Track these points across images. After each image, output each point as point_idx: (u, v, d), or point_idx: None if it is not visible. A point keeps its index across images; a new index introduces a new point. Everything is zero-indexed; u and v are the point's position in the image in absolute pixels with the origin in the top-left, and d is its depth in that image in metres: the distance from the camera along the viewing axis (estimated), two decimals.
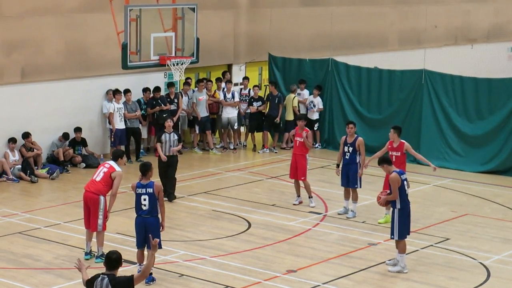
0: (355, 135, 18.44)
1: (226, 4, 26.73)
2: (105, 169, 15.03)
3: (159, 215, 14.09)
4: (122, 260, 9.84)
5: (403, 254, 14.82)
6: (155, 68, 22.67)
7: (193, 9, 21.14)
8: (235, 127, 25.37)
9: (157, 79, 24.72)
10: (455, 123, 23.45)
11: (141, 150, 23.93)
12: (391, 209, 16.58)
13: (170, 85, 24.17)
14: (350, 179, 18.33)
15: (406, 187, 14.88)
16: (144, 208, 13.94)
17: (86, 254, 15.15)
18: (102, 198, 14.92)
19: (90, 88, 23.27)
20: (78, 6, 22.86)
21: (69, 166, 22.34)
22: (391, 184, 14.70)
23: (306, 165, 18.89)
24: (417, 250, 16.06)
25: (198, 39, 21.35)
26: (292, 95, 25.45)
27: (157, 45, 20.46)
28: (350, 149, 18.30)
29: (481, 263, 15.45)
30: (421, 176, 22.25)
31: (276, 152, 25.07)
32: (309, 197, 18.93)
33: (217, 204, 18.92)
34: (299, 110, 25.32)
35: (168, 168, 19.10)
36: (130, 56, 19.93)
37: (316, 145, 25.75)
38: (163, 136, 19.17)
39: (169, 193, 18.99)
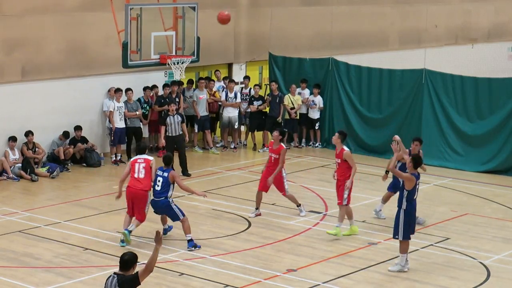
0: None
1: (227, 3, 26.67)
2: (143, 164, 16.04)
3: (170, 198, 15.79)
4: (136, 260, 9.78)
5: (404, 254, 14.81)
6: (155, 67, 22.67)
7: (193, 8, 21.14)
8: (236, 126, 25.38)
9: (157, 78, 24.71)
10: (455, 123, 23.44)
11: None
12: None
13: (172, 83, 24.17)
14: (397, 184, 17.27)
15: (417, 192, 14.90)
16: (157, 188, 15.81)
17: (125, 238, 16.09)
18: (149, 193, 15.99)
19: (91, 87, 23.26)
20: (78, 5, 22.85)
21: (69, 164, 22.33)
22: (406, 180, 14.74)
23: (283, 180, 17.89)
24: (417, 250, 16.06)
25: (198, 38, 21.34)
26: (287, 95, 25.40)
27: (157, 44, 20.46)
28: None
29: (481, 262, 15.45)
30: (421, 175, 22.15)
31: None
32: (297, 206, 18.26)
33: (218, 203, 18.91)
34: (292, 109, 25.29)
35: (176, 147, 21.00)
36: (131, 55, 19.92)
37: (317, 144, 25.75)
38: (168, 119, 21.41)
39: (182, 170, 20.96)
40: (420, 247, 16.21)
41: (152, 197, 15.92)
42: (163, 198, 15.80)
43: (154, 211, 16.13)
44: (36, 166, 21.57)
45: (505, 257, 15.79)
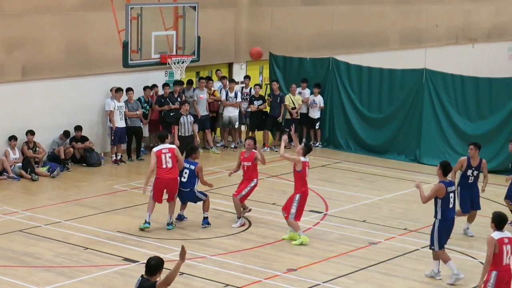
0: (479, 157, 17.06)
1: (227, 2, 26.73)
2: (169, 154, 16.68)
3: (195, 189, 16.95)
4: (162, 265, 9.79)
5: (449, 261, 14.40)
6: (156, 67, 22.67)
7: (194, 8, 21.13)
8: (236, 126, 25.38)
9: (158, 78, 24.71)
10: (455, 123, 23.45)
11: (142, 149, 23.92)
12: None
13: (175, 83, 24.16)
14: (474, 202, 17.13)
15: (451, 199, 14.27)
16: (183, 179, 16.82)
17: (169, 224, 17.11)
18: (179, 178, 16.88)
19: (91, 86, 23.26)
20: (79, 4, 22.85)
21: (70, 164, 22.33)
22: (431, 190, 14.29)
23: (246, 188, 17.34)
24: (418, 249, 16.07)
25: (199, 38, 21.34)
26: (288, 95, 25.41)
27: (158, 44, 20.46)
28: (475, 172, 16.89)
29: (481, 262, 15.41)
30: (422, 175, 22.25)
31: (277, 151, 25.04)
32: (238, 217, 17.57)
33: (218, 203, 18.89)
34: (293, 108, 25.30)
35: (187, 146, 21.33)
36: (131, 54, 19.93)
37: (317, 144, 25.75)
38: (181, 118, 22.24)
39: None
40: (421, 246, 16.20)
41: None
42: (188, 190, 16.92)
43: (179, 199, 17.19)
44: (37, 165, 21.57)
45: None
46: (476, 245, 16.49)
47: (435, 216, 14.33)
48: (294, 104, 25.37)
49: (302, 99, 25.57)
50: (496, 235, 11.61)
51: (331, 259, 15.50)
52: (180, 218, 17.58)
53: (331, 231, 17.22)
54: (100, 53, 23.27)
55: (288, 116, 25.54)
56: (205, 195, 17.18)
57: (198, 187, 17.27)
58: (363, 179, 21.81)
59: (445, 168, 14.32)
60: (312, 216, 18.15)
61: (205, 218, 17.17)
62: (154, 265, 9.74)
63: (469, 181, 16.97)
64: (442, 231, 14.33)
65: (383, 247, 16.26)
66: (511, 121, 22.50)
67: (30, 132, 21.52)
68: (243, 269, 14.78)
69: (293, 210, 16.12)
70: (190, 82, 25.05)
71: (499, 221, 11.70)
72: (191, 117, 22.51)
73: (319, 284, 14.16)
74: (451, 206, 14.32)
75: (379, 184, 21.44)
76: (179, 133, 22.34)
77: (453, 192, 14.40)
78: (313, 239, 16.61)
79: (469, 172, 16.92)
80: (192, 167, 16.91)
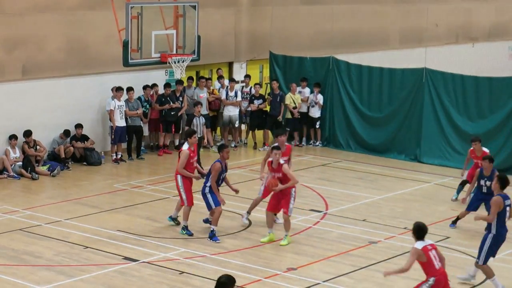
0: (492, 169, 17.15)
1: (227, 2, 26.74)
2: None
3: (207, 187, 16.28)
4: (232, 284, 9.41)
5: (493, 277, 14.03)
6: (156, 66, 22.69)
7: (194, 7, 21.16)
8: (236, 125, 25.39)
9: (158, 77, 24.72)
10: (456, 122, 23.46)
11: (142, 148, 23.93)
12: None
13: (178, 82, 24.18)
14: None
15: (507, 213, 13.83)
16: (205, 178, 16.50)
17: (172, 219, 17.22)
18: (179, 177, 16.50)
19: (91, 85, 23.28)
20: (79, 4, 22.86)
21: (70, 163, 22.33)
22: (492, 206, 13.71)
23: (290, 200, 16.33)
24: None
25: (199, 37, 21.36)
26: (288, 94, 25.42)
27: (158, 43, 20.49)
28: (488, 183, 16.85)
29: None
30: (422, 174, 22.27)
31: None
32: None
33: None
34: (294, 108, 25.32)
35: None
36: (131, 53, 19.97)
37: (317, 143, 25.76)
38: (194, 120, 21.87)
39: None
40: None
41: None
42: (203, 185, 16.43)
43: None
44: (37, 164, 21.57)
45: (505, 256, 15.77)
46: (475, 244, 16.45)
47: (489, 230, 13.86)
48: (295, 103, 25.38)
49: (302, 98, 25.58)
50: (419, 244, 11.75)
51: (331, 258, 15.50)
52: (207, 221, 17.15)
53: (331, 230, 17.22)
54: (100, 52, 23.27)
55: (288, 116, 25.56)
56: (216, 204, 16.23)
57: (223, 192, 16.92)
58: (363, 178, 21.81)
59: (503, 182, 13.77)
60: (312, 215, 18.16)
61: (211, 231, 16.34)
62: (222, 282, 9.38)
63: (483, 191, 17.12)
64: (493, 247, 13.91)
65: (383, 246, 16.27)
66: (511, 120, 22.50)
67: (27, 134, 21.44)
68: (243, 268, 14.79)
69: (291, 206, 16.09)
70: (190, 79, 25.01)
71: (418, 232, 11.81)
72: (203, 119, 22.37)
73: (319, 283, 14.16)
74: (507, 220, 13.86)
75: (379, 183, 21.45)
76: None
77: (510, 205, 13.88)
78: (313, 238, 16.63)
79: (482, 181, 17.14)
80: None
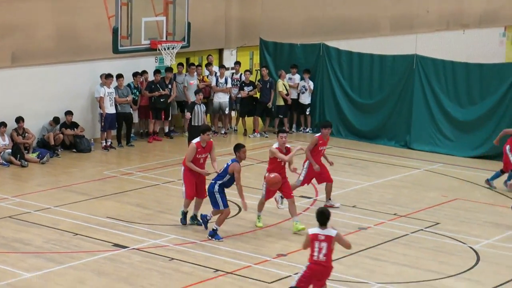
0: None
1: None
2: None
3: (217, 184, 15.69)
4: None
5: None
6: (146, 53, 22.63)
7: None
8: (226, 112, 25.36)
9: (148, 64, 24.65)
10: (446, 108, 23.46)
11: (132, 135, 23.90)
12: None
13: (167, 70, 24.12)
14: None
15: None
16: (219, 171, 15.87)
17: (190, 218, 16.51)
18: (182, 169, 16.33)
19: (81, 72, 23.21)
20: None
21: (59, 150, 22.28)
22: None
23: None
24: (407, 235, 16.10)
25: (189, 24, 21.30)
26: (280, 81, 25.39)
27: (148, 30, 20.42)
28: None
29: (470, 247, 15.49)
30: (412, 160, 22.30)
31: (267, 137, 25.07)
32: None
33: None
34: (287, 94, 25.32)
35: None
36: (121, 40, 19.90)
37: (307, 130, 25.77)
38: (195, 107, 21.57)
39: None
40: (410, 231, 16.25)
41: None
42: (213, 181, 15.72)
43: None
44: (26, 151, 21.53)
45: (494, 242, 15.83)
46: (465, 229, 16.53)
47: None
48: (287, 90, 25.38)
49: (291, 85, 25.55)
50: (312, 230, 11.72)
51: None
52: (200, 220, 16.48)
53: None
54: (90, 39, 23.18)
55: (279, 103, 25.50)
56: (224, 205, 15.66)
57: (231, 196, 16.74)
58: (353, 165, 21.82)
59: None
60: (302, 202, 18.16)
61: (213, 230, 15.75)
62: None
63: None
64: None
65: (373, 232, 16.30)
66: (502, 107, 22.53)
67: (21, 119, 21.45)
68: (233, 255, 14.80)
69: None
70: (181, 65, 24.95)
71: (318, 218, 11.69)
72: (204, 106, 22.14)
73: None
74: None
75: (369, 169, 21.47)
76: (193, 123, 21.60)
77: None
78: (303, 224, 16.62)
79: None
80: (230, 162, 15.73)
